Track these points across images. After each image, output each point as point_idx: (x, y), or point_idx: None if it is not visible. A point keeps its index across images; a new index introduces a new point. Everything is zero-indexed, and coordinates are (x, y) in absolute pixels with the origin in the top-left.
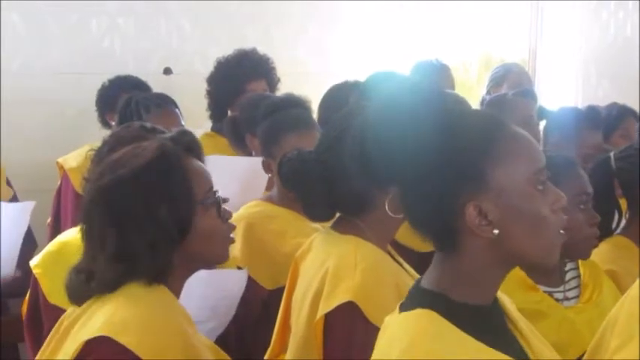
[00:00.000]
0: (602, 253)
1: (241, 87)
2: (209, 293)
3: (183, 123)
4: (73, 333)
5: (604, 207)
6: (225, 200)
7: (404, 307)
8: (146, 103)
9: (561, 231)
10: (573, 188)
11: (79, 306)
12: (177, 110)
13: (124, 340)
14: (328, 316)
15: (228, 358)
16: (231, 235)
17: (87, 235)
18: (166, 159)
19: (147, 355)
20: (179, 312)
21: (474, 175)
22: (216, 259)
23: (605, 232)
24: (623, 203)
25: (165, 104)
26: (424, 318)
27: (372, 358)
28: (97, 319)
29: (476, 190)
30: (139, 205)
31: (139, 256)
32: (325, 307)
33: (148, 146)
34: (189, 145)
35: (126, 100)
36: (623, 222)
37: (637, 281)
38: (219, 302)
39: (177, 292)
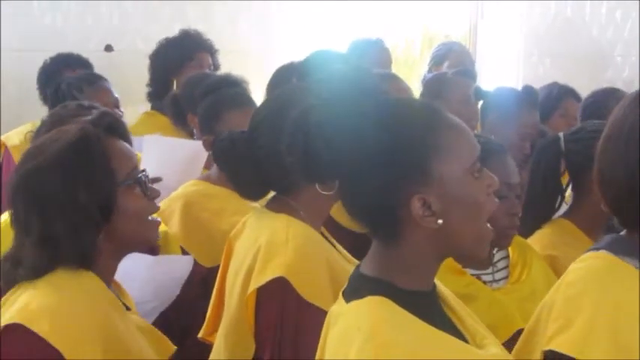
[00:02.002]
0: (544, 237)
1: (189, 55)
2: (154, 276)
3: (116, 96)
4: None
5: (549, 186)
6: (155, 180)
7: (350, 296)
8: (77, 83)
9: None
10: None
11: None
12: (108, 85)
13: (36, 327)
14: (259, 292)
15: (165, 338)
16: (157, 218)
17: (14, 222)
18: (85, 141)
19: (60, 343)
20: (104, 298)
21: (417, 168)
22: (144, 239)
23: (549, 213)
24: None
25: (96, 81)
26: (379, 305)
27: (327, 349)
28: (14, 306)
29: (420, 182)
30: (59, 190)
31: (62, 240)
32: (256, 282)
33: (67, 130)
34: (111, 126)
35: (55, 86)
36: (565, 205)
37: (572, 265)
38: (163, 285)
39: (107, 276)
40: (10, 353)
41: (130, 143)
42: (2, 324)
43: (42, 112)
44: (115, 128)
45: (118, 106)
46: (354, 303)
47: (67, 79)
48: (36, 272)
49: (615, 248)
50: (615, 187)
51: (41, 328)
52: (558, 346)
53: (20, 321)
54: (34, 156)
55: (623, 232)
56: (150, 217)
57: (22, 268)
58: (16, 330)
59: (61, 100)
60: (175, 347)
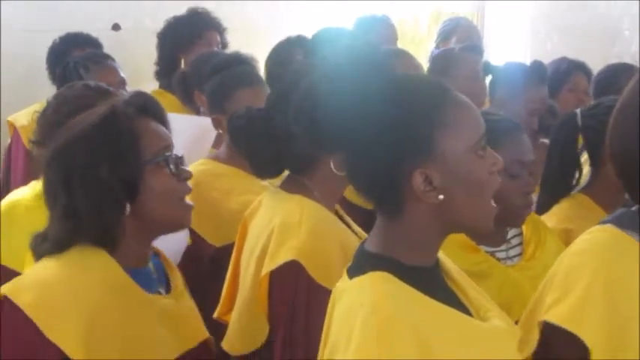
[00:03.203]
0: (560, 211)
1: (197, 33)
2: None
3: (123, 76)
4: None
5: (566, 163)
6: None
7: (353, 272)
8: (84, 62)
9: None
10: (507, 155)
11: None
12: (115, 65)
13: (19, 300)
14: (272, 275)
15: (199, 325)
16: (188, 201)
17: (46, 197)
18: (112, 118)
19: (38, 317)
20: (112, 279)
21: (421, 142)
22: (173, 221)
23: (566, 190)
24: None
25: (103, 60)
26: (381, 280)
27: (333, 325)
28: (17, 278)
29: (422, 157)
30: (84, 165)
31: (84, 215)
32: (269, 265)
33: (99, 108)
34: (144, 106)
35: (63, 65)
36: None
37: (578, 238)
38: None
39: (134, 258)
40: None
41: (166, 125)
42: None
43: (51, 91)
44: (149, 108)
45: (124, 86)
46: (357, 279)
47: (74, 58)
48: (58, 246)
49: (622, 222)
50: (626, 161)
51: (24, 300)
52: (553, 317)
53: (7, 293)
54: (65, 132)
55: (634, 207)
56: (182, 200)
57: (47, 242)
58: (4, 302)
59: (68, 80)
60: (208, 335)
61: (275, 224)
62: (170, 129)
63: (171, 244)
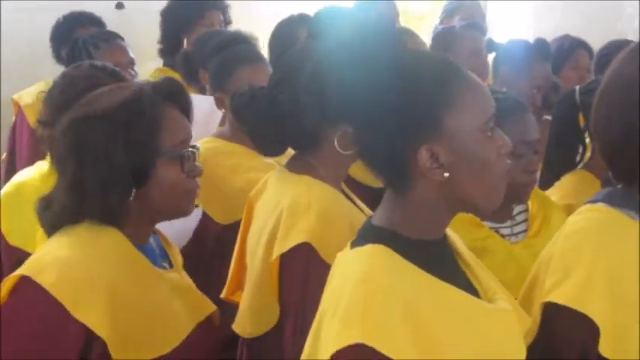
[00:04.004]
0: (563, 187)
1: (199, 14)
2: (163, 228)
3: (132, 55)
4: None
5: (567, 139)
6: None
7: (355, 243)
8: (94, 41)
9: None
10: (512, 135)
11: (49, 236)
12: (125, 44)
13: (42, 279)
14: (283, 257)
15: (205, 298)
16: (196, 191)
17: (55, 164)
18: (137, 102)
19: (63, 296)
20: (125, 255)
21: (429, 119)
22: (176, 212)
23: (568, 166)
24: None
25: (112, 39)
26: (376, 252)
27: (325, 292)
28: (33, 257)
29: (429, 134)
30: (99, 143)
31: (90, 192)
32: (280, 248)
33: (125, 87)
34: (172, 94)
35: (72, 42)
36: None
37: (569, 218)
38: (172, 235)
39: (140, 237)
40: (19, 305)
41: (189, 115)
42: (16, 274)
43: (55, 70)
44: (176, 97)
45: (133, 66)
46: (356, 250)
47: (83, 37)
48: (62, 217)
49: (613, 200)
50: (610, 139)
51: (47, 280)
52: (557, 297)
53: (28, 273)
54: (87, 104)
55: (620, 185)
56: (188, 194)
57: (50, 210)
58: (23, 282)
59: (77, 58)
60: (215, 307)
61: (284, 207)
62: (192, 119)
63: (183, 222)
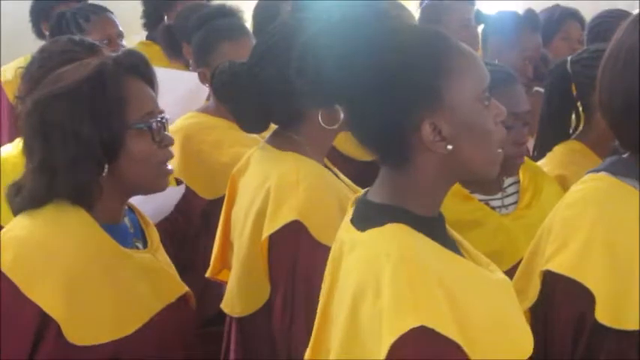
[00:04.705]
0: (555, 157)
1: None
2: (143, 205)
3: (121, 29)
4: None
5: (559, 110)
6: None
7: (364, 224)
8: (84, 13)
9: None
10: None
11: None
12: (114, 17)
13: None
14: (273, 236)
15: (177, 280)
16: (169, 166)
17: (24, 148)
18: (100, 76)
19: (17, 276)
20: (89, 236)
21: (429, 92)
22: (150, 186)
23: (562, 135)
24: None
25: (102, 11)
26: (401, 232)
27: (348, 276)
28: None
29: (431, 108)
30: (65, 120)
31: (59, 171)
32: (271, 227)
33: (87, 64)
34: (135, 66)
35: (58, 15)
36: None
37: (572, 187)
38: (151, 212)
39: (110, 216)
40: None
41: (154, 86)
42: None
43: (36, 45)
44: (139, 69)
45: (121, 39)
46: (374, 230)
47: (70, 10)
48: (32, 201)
49: (615, 170)
50: (614, 109)
51: (2, 260)
52: (555, 266)
53: None
54: (51, 83)
55: (625, 155)
56: (161, 165)
57: (20, 196)
58: None
59: (64, 31)
60: (187, 289)
61: (271, 185)
62: (157, 90)
63: (163, 197)
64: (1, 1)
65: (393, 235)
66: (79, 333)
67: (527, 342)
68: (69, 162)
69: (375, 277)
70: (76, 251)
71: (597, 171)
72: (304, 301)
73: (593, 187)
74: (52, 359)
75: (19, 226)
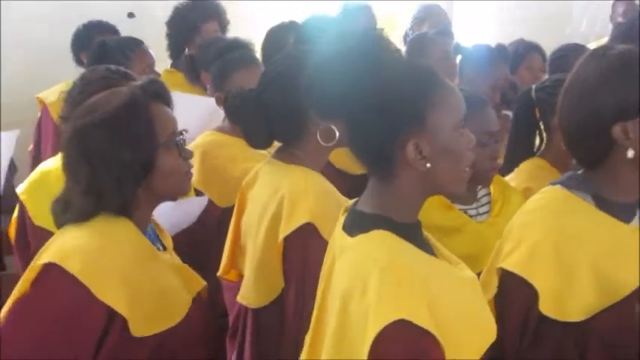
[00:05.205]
0: (522, 172)
1: (196, 27)
2: (173, 214)
3: (154, 59)
4: (37, 256)
5: (526, 132)
6: (182, 131)
7: (354, 230)
8: (129, 45)
9: (467, 168)
10: (478, 127)
11: None
12: (148, 48)
13: (69, 266)
14: (289, 236)
15: (196, 275)
16: (191, 171)
17: (65, 168)
18: (133, 105)
19: (89, 281)
20: (135, 242)
21: (415, 119)
22: (177, 193)
23: (527, 153)
24: None
25: (141, 44)
26: (387, 238)
27: (338, 278)
28: (54, 246)
29: (415, 130)
30: (106, 147)
31: (106, 191)
32: (287, 229)
33: (118, 93)
34: (158, 92)
35: (98, 44)
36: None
37: (531, 197)
38: (180, 220)
39: (143, 223)
40: (46, 290)
41: (171, 107)
42: (41, 262)
43: (76, 72)
44: (161, 94)
45: (154, 66)
46: (362, 236)
47: (115, 41)
48: (82, 216)
49: (570, 184)
50: (571, 133)
51: (73, 267)
52: (508, 264)
53: (55, 260)
54: (88, 112)
55: (580, 171)
56: (185, 174)
57: (70, 212)
58: (52, 269)
59: (106, 59)
60: (204, 283)
61: (284, 193)
62: (173, 110)
63: (189, 206)
64: None
65: (379, 241)
66: (139, 326)
67: (491, 329)
68: (113, 183)
69: (362, 279)
70: (128, 256)
71: (554, 184)
72: (314, 293)
73: (548, 198)
74: (115, 350)
75: (74, 236)
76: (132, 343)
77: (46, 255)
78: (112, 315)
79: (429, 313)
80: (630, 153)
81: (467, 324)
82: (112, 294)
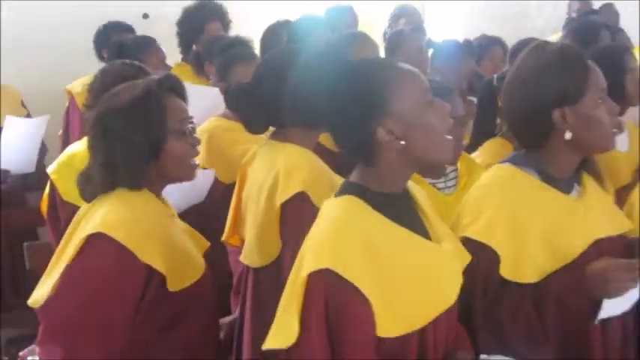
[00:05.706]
0: (485, 150)
1: (200, 27)
2: (184, 190)
3: (166, 54)
4: (79, 228)
5: (488, 115)
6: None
7: (336, 195)
8: (144, 43)
9: (448, 136)
10: None
11: (88, 202)
12: (160, 46)
13: (115, 235)
14: (285, 203)
15: (201, 237)
16: (197, 161)
17: (89, 146)
18: (148, 96)
19: (134, 247)
20: (160, 209)
21: (379, 106)
22: (182, 178)
23: (490, 134)
24: None
25: (155, 42)
26: (349, 201)
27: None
28: (95, 218)
29: (381, 116)
30: (122, 130)
31: (120, 166)
32: (283, 196)
33: (137, 85)
34: (172, 86)
35: (117, 44)
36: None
37: (483, 174)
38: (191, 196)
39: (157, 195)
40: (96, 257)
41: (185, 100)
42: (87, 233)
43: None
44: (175, 88)
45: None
46: (335, 199)
47: (131, 40)
48: (101, 188)
49: (516, 161)
50: (512, 117)
51: (119, 235)
52: (470, 233)
53: (103, 230)
54: (110, 99)
55: (523, 151)
56: (191, 160)
57: (90, 185)
58: (99, 238)
59: (124, 55)
60: (209, 243)
61: (280, 167)
62: (187, 102)
63: (200, 182)
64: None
65: (341, 204)
66: (174, 281)
67: (445, 298)
68: (125, 161)
69: (316, 232)
70: (156, 220)
71: (503, 162)
72: None
73: (499, 174)
74: (152, 305)
75: (109, 210)
76: (166, 297)
77: (90, 227)
78: (150, 274)
79: (366, 271)
80: (568, 135)
81: (416, 290)
82: (151, 256)
